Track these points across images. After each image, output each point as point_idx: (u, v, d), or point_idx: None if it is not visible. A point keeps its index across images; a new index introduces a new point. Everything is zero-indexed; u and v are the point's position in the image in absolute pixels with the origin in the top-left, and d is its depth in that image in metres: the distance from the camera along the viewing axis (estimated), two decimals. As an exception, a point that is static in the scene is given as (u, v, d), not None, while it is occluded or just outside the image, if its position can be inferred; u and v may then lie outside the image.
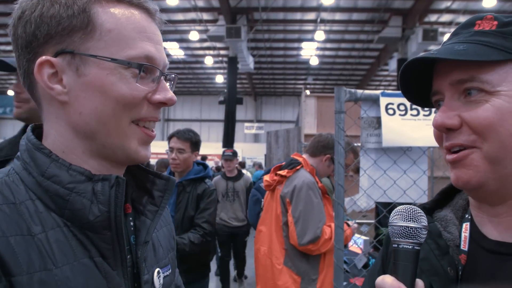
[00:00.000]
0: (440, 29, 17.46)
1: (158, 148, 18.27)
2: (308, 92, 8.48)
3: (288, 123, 31.31)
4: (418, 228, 0.83)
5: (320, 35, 20.04)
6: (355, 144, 3.26)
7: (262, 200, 3.97)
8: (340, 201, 2.28)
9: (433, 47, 17.00)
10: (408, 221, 0.83)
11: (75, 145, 0.88)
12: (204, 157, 17.00)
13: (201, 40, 21.59)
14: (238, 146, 26.88)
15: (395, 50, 19.99)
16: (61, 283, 0.76)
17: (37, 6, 0.84)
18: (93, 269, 0.83)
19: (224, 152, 7.29)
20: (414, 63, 0.88)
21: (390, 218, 0.87)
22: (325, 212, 3.26)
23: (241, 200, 7.12)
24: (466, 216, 0.96)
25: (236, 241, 7.16)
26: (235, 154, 7.25)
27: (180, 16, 19.32)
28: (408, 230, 0.83)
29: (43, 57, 0.84)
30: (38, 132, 0.93)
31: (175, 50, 23.84)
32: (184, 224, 3.44)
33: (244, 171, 15.54)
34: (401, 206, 0.87)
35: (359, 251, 4.27)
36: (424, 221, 0.84)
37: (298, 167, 3.34)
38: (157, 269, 1.00)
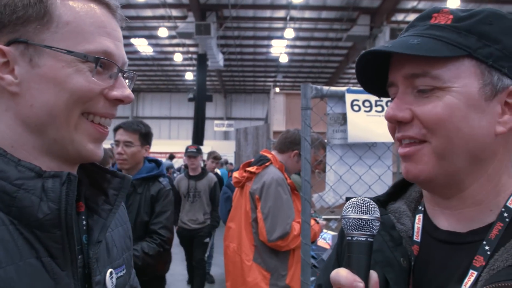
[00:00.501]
0: (407, 28, 17.82)
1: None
2: (277, 89, 8.52)
3: (258, 120, 31.39)
4: (371, 220, 0.83)
5: (289, 32, 20.15)
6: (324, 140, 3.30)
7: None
8: (306, 197, 2.30)
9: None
10: (361, 213, 0.83)
11: (25, 140, 0.85)
12: (172, 156, 16.80)
13: (170, 37, 21.36)
14: (208, 144, 26.79)
15: (364, 48, 20.28)
16: (5, 285, 0.73)
17: None
18: (40, 270, 0.80)
19: (187, 148, 6.63)
20: (371, 54, 0.89)
21: (343, 211, 0.86)
22: (294, 208, 3.29)
23: (203, 201, 6.51)
24: (419, 208, 0.99)
25: (194, 242, 6.49)
26: (199, 151, 6.60)
27: (148, 12, 19.07)
28: (361, 222, 0.83)
29: None
30: None
31: (143, 46, 23.51)
32: (137, 231, 2.85)
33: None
34: (354, 198, 0.87)
35: (327, 246, 4.32)
36: (376, 212, 0.84)
37: (267, 164, 3.36)
38: (110, 270, 0.98)
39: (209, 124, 31.05)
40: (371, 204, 0.84)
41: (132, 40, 21.93)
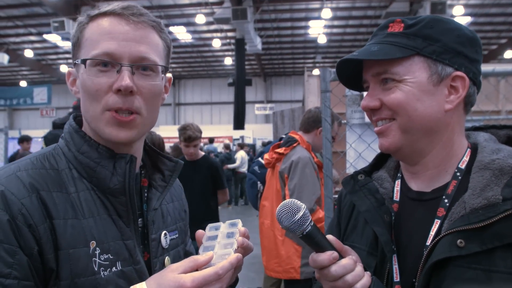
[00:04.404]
0: (449, 2, 17.29)
1: (170, 132, 18.49)
2: (317, 70, 8.54)
3: (299, 102, 31.30)
4: (303, 214, 1.02)
5: (327, 12, 19.95)
6: (343, 121, 3.43)
7: (258, 182, 4.18)
8: (328, 173, 2.47)
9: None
10: (294, 215, 1.02)
11: (89, 130, 1.15)
12: (211, 139, 17.22)
13: (208, 23, 21.62)
14: (249, 127, 27.05)
15: (403, 25, 19.76)
16: (87, 229, 1.03)
17: (74, 27, 1.15)
18: (111, 223, 1.09)
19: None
20: (346, 62, 1.14)
21: (281, 224, 1.04)
22: (322, 185, 3.46)
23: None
24: (398, 175, 1.24)
25: None
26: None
27: (185, 0, 19.38)
28: (299, 220, 1.02)
29: (68, 69, 1.18)
30: (79, 119, 1.20)
31: (182, 34, 23.91)
32: None
33: (242, 153, 14.66)
34: (277, 210, 1.05)
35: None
36: (299, 204, 1.03)
37: (294, 145, 3.53)
38: (164, 232, 1.24)
39: (250, 108, 31.28)
40: (293, 203, 1.04)
41: (171, 28, 22.34)
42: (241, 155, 14.75)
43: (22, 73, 32.88)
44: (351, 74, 1.20)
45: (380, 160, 1.31)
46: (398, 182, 1.21)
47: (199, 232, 1.12)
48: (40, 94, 23.36)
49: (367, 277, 1.03)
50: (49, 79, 31.12)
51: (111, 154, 1.11)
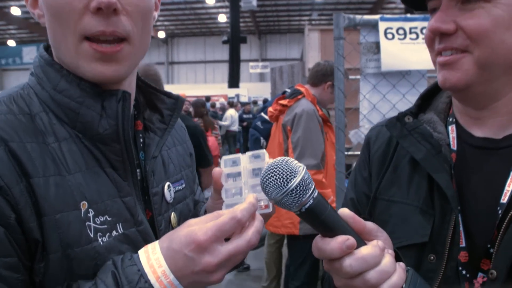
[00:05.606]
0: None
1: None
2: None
3: (294, 60, 30.80)
4: (303, 179, 0.71)
5: (323, -34, 19.36)
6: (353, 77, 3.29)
7: (261, 138, 4.02)
8: (340, 126, 2.36)
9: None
10: (288, 182, 0.70)
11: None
12: (208, 98, 17.04)
13: (201, -22, 20.99)
14: (244, 86, 26.74)
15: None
16: (74, 188, 0.82)
17: None
18: (104, 178, 0.88)
19: None
20: None
21: (268, 195, 0.74)
22: (328, 140, 3.36)
23: None
24: (450, 119, 1.01)
25: None
26: None
27: (178, -47, 18.71)
28: (297, 189, 0.70)
29: None
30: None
31: (175, -11, 23.25)
32: None
33: (232, 111, 14.51)
34: (264, 174, 0.73)
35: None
36: (296, 166, 0.73)
37: (299, 97, 3.41)
38: (167, 183, 1.03)
39: (245, 66, 30.86)
40: (286, 164, 0.73)
41: (163, -16, 21.66)
42: (230, 114, 14.65)
43: (10, 32, 31.99)
44: None
45: (425, 100, 1.08)
46: (452, 128, 0.99)
47: (216, 170, 0.89)
48: (29, 53, 22.83)
49: (399, 272, 0.75)
50: (38, 38, 30.32)
51: (97, 91, 0.87)
